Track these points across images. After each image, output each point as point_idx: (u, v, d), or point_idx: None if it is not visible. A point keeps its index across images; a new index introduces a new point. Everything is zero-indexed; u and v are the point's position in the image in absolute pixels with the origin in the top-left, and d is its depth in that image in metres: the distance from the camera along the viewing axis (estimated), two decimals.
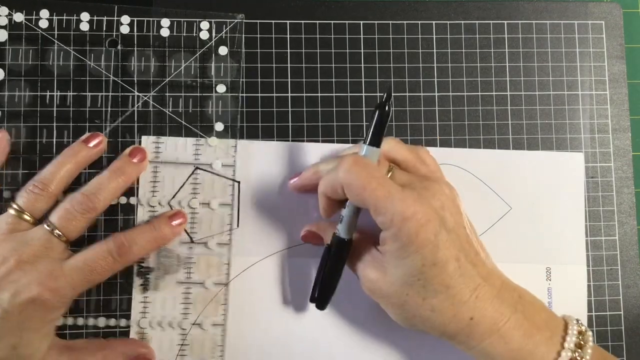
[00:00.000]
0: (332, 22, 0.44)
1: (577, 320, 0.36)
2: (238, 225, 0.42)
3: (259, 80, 0.43)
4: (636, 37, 0.47)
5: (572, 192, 0.44)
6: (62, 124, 0.42)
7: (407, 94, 0.44)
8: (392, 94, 0.39)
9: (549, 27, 0.46)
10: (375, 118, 0.36)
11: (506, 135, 0.44)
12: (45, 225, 0.37)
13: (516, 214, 0.43)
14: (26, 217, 0.37)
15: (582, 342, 0.34)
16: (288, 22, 0.44)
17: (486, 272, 0.35)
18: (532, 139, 0.44)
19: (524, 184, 0.44)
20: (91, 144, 0.40)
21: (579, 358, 0.34)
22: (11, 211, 0.38)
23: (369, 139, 0.36)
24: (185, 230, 0.41)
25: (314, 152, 0.43)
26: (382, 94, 0.42)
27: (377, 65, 0.44)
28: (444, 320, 0.34)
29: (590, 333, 0.35)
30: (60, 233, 0.37)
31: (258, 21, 0.44)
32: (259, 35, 0.44)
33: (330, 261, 0.38)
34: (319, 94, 0.44)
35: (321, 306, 0.39)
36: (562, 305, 0.43)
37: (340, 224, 0.37)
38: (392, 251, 0.34)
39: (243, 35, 0.43)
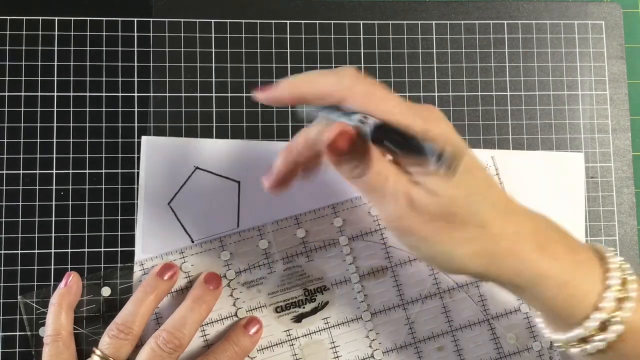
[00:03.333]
0: (332, 22, 0.44)
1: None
2: (238, 225, 0.42)
3: (259, 80, 0.43)
4: (636, 37, 0.47)
5: (572, 192, 0.44)
6: (63, 124, 0.42)
7: (407, 94, 0.44)
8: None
9: (549, 27, 0.46)
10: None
11: (506, 135, 0.44)
12: None
13: None
14: None
15: (623, 263, 0.32)
16: (288, 22, 0.44)
17: (508, 192, 0.33)
18: (532, 139, 0.44)
19: (524, 184, 0.43)
20: (166, 277, 0.40)
21: (627, 277, 0.31)
22: (96, 358, 0.37)
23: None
24: (185, 230, 0.41)
25: None
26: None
27: (377, 65, 0.44)
28: (490, 239, 0.31)
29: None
30: None
31: (258, 21, 0.44)
32: (259, 35, 0.44)
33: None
34: None
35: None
36: None
37: (368, 124, 0.29)
38: (430, 166, 0.28)
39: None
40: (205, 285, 0.40)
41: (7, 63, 0.42)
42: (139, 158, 0.42)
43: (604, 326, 0.30)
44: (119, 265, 0.41)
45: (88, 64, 0.43)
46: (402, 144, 0.29)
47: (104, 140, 0.42)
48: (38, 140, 0.42)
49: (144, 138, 0.42)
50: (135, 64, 0.43)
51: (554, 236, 0.32)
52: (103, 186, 0.42)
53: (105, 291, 0.41)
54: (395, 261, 0.42)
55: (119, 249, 0.41)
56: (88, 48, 0.43)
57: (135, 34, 0.43)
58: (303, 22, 0.44)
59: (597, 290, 0.31)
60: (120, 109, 0.43)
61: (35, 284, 0.41)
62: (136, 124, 0.42)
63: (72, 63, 0.43)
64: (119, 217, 0.42)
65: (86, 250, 0.41)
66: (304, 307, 0.41)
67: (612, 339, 0.30)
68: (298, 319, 0.41)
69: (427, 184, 0.30)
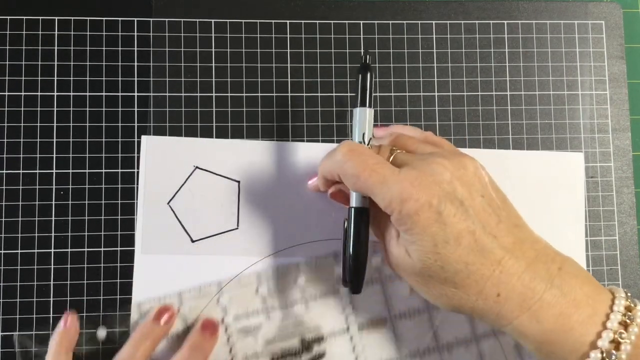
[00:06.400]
0: (332, 22, 0.44)
1: (626, 293, 0.31)
2: (238, 225, 0.42)
3: (259, 80, 0.43)
4: (636, 37, 0.47)
5: (572, 192, 0.44)
6: (63, 124, 0.42)
7: (407, 93, 0.44)
8: (369, 56, 0.38)
9: (549, 27, 0.46)
10: (360, 80, 0.36)
11: (506, 135, 0.44)
12: None
13: None
14: None
15: (628, 321, 0.30)
16: (288, 22, 0.44)
17: (512, 242, 0.32)
18: (532, 139, 0.44)
19: (524, 184, 0.43)
20: (162, 321, 0.39)
21: (621, 340, 0.29)
22: None
23: (358, 102, 0.36)
24: (185, 230, 0.41)
25: (314, 152, 0.43)
26: (359, 62, 0.38)
27: (377, 65, 0.44)
28: (469, 298, 0.32)
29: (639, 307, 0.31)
30: None
31: (258, 21, 0.44)
32: (258, 35, 0.44)
33: (354, 235, 0.35)
34: (319, 94, 0.44)
35: (356, 289, 0.36)
36: None
37: (352, 198, 0.36)
38: (403, 235, 0.33)
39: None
40: (203, 332, 0.39)
41: (7, 63, 0.42)
42: (138, 158, 0.42)
43: None
44: (117, 311, 0.41)
45: (88, 63, 0.43)
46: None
47: (104, 140, 0.42)
48: (38, 140, 0.42)
49: (143, 137, 0.42)
50: (135, 63, 0.43)
51: (550, 297, 0.31)
52: (103, 186, 0.42)
53: (102, 333, 0.40)
54: (394, 313, 0.41)
55: (119, 248, 0.41)
56: (88, 48, 0.43)
57: (135, 33, 0.43)
58: (303, 22, 0.44)
59: (582, 351, 0.30)
60: (120, 109, 0.43)
61: (35, 283, 0.41)
62: (136, 124, 0.42)
63: (72, 63, 0.43)
64: (119, 217, 0.42)
65: (86, 250, 0.41)
66: (300, 357, 0.41)
67: None
68: None
69: (408, 248, 0.33)
